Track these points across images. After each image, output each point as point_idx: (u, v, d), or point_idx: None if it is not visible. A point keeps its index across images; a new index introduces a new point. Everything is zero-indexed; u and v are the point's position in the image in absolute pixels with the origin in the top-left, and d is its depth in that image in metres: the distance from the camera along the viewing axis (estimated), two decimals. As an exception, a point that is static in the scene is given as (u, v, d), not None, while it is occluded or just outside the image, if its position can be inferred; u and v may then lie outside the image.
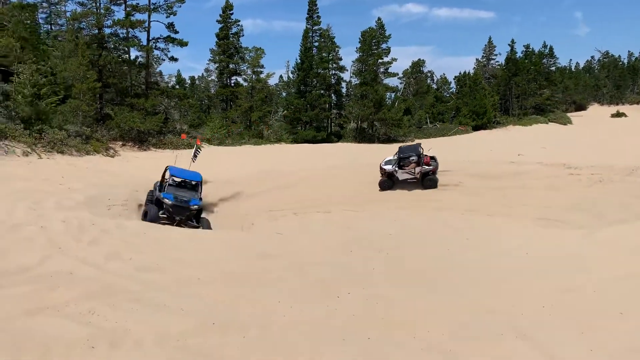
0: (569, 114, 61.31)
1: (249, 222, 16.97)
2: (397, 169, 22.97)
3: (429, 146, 25.36)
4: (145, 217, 13.85)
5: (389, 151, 34.17)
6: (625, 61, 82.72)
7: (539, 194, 20.48)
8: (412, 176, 23.10)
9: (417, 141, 30.24)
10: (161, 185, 15.73)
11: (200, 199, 15.47)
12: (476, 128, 49.88)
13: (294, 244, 11.56)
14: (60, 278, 6.79)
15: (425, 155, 23.35)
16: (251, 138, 40.51)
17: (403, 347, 5.18)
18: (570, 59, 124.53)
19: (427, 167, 23.01)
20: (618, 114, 60.59)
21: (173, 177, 15.62)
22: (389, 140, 42.98)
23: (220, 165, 26.88)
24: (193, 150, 19.17)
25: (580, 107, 69.89)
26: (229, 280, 7.49)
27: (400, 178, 22.88)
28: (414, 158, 23.12)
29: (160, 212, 14.15)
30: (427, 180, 23.00)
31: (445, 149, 38.68)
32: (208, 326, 5.50)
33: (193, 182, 15.95)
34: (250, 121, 43.32)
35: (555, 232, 14.13)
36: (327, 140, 43.40)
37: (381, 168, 23.29)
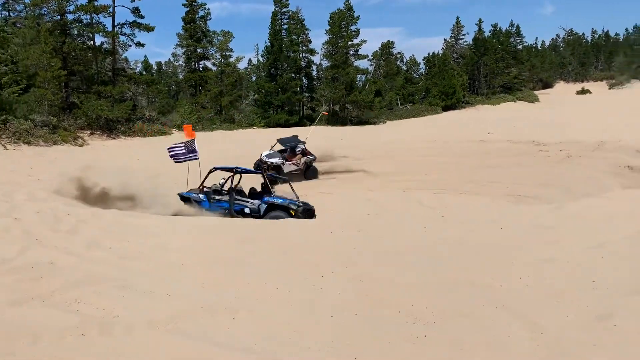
0: (536, 92, 62.55)
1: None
2: (284, 161, 22.50)
3: (306, 136, 25.34)
4: None
5: (360, 133, 34.61)
6: (589, 39, 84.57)
7: (509, 171, 21.00)
8: (298, 167, 22.84)
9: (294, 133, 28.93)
10: (221, 191, 13.72)
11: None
12: (446, 108, 50.47)
13: (274, 228, 11.61)
14: (41, 268, 6.72)
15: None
16: (222, 123, 40.21)
17: (389, 321, 5.33)
18: (537, 37, 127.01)
19: (310, 157, 22.96)
20: (583, 91, 62.12)
21: (270, 178, 13.82)
22: (361, 122, 43.19)
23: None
24: (182, 146, 14.91)
25: (547, 85, 71.35)
26: (213, 265, 7.52)
27: (286, 170, 22.16)
28: (300, 149, 22.91)
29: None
30: (310, 171, 22.95)
31: (415, 129, 39.12)
32: (197, 309, 5.56)
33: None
34: (221, 106, 42.92)
35: (526, 207, 14.56)
36: (299, 123, 43.37)
37: (263, 162, 22.12)
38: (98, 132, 31.43)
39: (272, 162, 22.01)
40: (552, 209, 11.52)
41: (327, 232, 10.21)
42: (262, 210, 13.07)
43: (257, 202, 13.24)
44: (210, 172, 14.05)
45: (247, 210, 13.18)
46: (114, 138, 31.62)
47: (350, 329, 5.12)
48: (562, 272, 6.84)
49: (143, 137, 32.98)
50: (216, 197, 13.49)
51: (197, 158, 14.65)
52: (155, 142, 31.22)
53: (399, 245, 8.90)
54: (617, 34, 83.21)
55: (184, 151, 14.71)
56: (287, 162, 22.28)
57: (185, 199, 13.66)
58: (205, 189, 13.79)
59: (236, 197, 13.36)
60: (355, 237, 9.59)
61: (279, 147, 23.48)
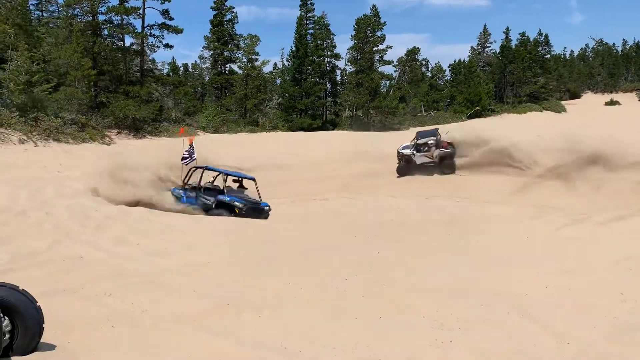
0: (563, 102, 61.59)
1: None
2: (415, 152, 22.82)
3: (446, 130, 25.10)
4: None
5: (384, 138, 34.21)
6: (620, 49, 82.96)
7: (534, 182, 20.68)
8: (430, 160, 22.96)
9: (435, 126, 29.06)
10: None
11: None
12: (470, 116, 50.07)
13: (297, 231, 11.69)
14: (71, 262, 6.90)
15: (442, 140, 23.24)
16: (246, 126, 40.52)
17: (414, 325, 5.33)
18: (565, 47, 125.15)
19: (445, 150, 22.78)
20: (612, 102, 60.88)
21: None
22: (384, 128, 43.09)
23: (217, 154, 26.86)
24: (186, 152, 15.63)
25: (574, 95, 70.20)
26: (238, 264, 7.62)
27: (417, 162, 22.71)
28: (432, 141, 22.99)
29: None
30: (446, 165, 22.85)
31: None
32: (223, 307, 5.63)
33: None
34: (246, 109, 43.31)
35: (552, 218, 14.34)
36: (322, 128, 43.47)
37: (399, 153, 23.10)
38: (125, 132, 31.95)
39: (404, 154, 22.77)
40: (579, 220, 11.35)
41: (350, 236, 10.25)
42: (213, 207, 13.72)
43: (212, 199, 13.92)
44: (190, 170, 15.08)
45: (204, 207, 13.88)
46: (141, 138, 32.11)
47: (375, 332, 5.13)
48: (589, 283, 6.75)
49: (169, 137, 33.40)
50: (189, 193, 14.38)
51: (195, 159, 15.54)
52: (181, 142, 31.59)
53: (423, 251, 8.89)
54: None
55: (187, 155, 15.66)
56: (417, 154, 22.63)
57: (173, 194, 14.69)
58: (186, 186, 14.84)
59: (199, 194, 14.17)
60: (378, 242, 9.60)
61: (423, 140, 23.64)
